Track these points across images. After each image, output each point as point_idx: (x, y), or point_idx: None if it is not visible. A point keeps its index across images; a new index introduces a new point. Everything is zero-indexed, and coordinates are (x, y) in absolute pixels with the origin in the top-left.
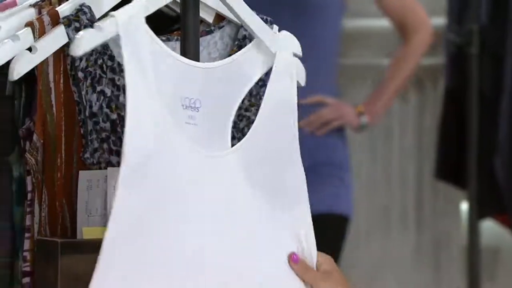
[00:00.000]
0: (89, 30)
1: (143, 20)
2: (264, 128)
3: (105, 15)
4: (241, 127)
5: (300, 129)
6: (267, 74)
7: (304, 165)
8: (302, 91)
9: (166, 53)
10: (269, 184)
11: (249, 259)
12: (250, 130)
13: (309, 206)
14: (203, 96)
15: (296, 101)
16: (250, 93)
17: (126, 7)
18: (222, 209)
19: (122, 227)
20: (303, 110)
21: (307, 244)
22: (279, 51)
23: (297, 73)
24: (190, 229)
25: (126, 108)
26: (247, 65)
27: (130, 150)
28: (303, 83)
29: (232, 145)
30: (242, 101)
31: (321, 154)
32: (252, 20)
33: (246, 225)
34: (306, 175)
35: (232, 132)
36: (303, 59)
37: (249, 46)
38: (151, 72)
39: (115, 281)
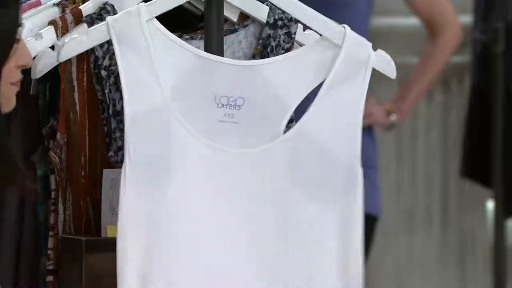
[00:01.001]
0: (75, 37)
1: (146, 21)
2: (316, 123)
3: None
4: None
5: None
6: None
7: None
8: None
9: (186, 52)
10: (313, 182)
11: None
12: (300, 124)
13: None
14: (246, 94)
15: (363, 98)
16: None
17: (125, 11)
18: (252, 201)
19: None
20: None
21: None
22: (348, 48)
23: (383, 65)
24: (212, 224)
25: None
26: (305, 64)
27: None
28: (393, 76)
29: None
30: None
31: None
32: (313, 17)
33: (279, 215)
34: None
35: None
36: None
37: (310, 45)
38: (160, 72)
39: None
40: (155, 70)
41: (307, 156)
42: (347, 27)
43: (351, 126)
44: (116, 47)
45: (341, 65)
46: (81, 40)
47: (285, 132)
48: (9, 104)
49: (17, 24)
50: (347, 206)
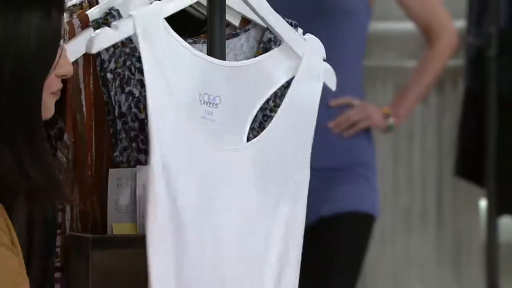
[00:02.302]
0: (106, 29)
1: (162, 19)
2: (280, 128)
3: None
4: (265, 127)
5: (328, 130)
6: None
7: (332, 165)
8: (330, 94)
9: (185, 50)
10: (277, 181)
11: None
12: (267, 128)
13: (304, 207)
14: (224, 93)
15: (317, 106)
16: (275, 94)
17: (146, 7)
18: (234, 199)
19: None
20: (331, 112)
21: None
22: (306, 55)
23: (328, 77)
24: (207, 220)
25: (148, 107)
26: (272, 67)
27: (156, 148)
28: (333, 88)
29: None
30: (267, 102)
31: (349, 154)
32: (278, 23)
33: (250, 216)
34: (335, 174)
35: (257, 131)
36: (332, 63)
37: (276, 49)
38: (169, 69)
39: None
40: (165, 66)
41: (270, 158)
42: (308, 38)
43: (307, 130)
44: (140, 40)
45: (302, 73)
46: (109, 33)
47: (250, 133)
48: (47, 113)
49: (59, 35)
50: (293, 207)
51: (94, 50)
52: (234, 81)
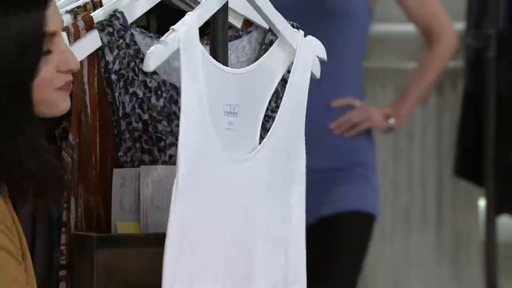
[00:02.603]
0: (157, 46)
1: (197, 32)
2: (282, 127)
3: (138, 20)
4: (268, 128)
5: (330, 131)
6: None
7: (334, 165)
8: (331, 95)
9: (209, 61)
10: (282, 179)
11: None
12: (270, 130)
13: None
14: (240, 101)
15: (306, 101)
16: (276, 95)
17: (184, 20)
18: (254, 202)
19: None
20: (333, 113)
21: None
22: (300, 48)
23: (314, 66)
24: (225, 227)
25: (180, 118)
26: (272, 65)
27: (183, 158)
28: (318, 75)
29: None
30: (269, 103)
31: (350, 155)
32: (274, 17)
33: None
34: (335, 174)
35: (260, 133)
36: (333, 64)
37: (272, 47)
38: (202, 82)
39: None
40: (200, 82)
41: (278, 155)
42: (302, 32)
43: (301, 119)
44: (182, 56)
45: (296, 66)
46: (161, 50)
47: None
48: (56, 109)
49: (41, 30)
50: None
51: (152, 68)
52: (245, 88)
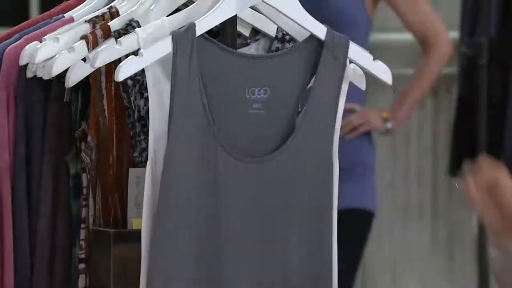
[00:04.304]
0: (132, 57)
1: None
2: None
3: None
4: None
5: None
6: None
7: None
8: None
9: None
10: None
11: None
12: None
13: (334, 202)
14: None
15: (343, 104)
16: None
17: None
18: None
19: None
20: None
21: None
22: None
23: (357, 78)
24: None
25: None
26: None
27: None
28: (363, 87)
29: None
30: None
31: (350, 155)
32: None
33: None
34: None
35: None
36: None
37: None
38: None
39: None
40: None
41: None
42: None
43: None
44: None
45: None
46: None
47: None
48: None
49: None
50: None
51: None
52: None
